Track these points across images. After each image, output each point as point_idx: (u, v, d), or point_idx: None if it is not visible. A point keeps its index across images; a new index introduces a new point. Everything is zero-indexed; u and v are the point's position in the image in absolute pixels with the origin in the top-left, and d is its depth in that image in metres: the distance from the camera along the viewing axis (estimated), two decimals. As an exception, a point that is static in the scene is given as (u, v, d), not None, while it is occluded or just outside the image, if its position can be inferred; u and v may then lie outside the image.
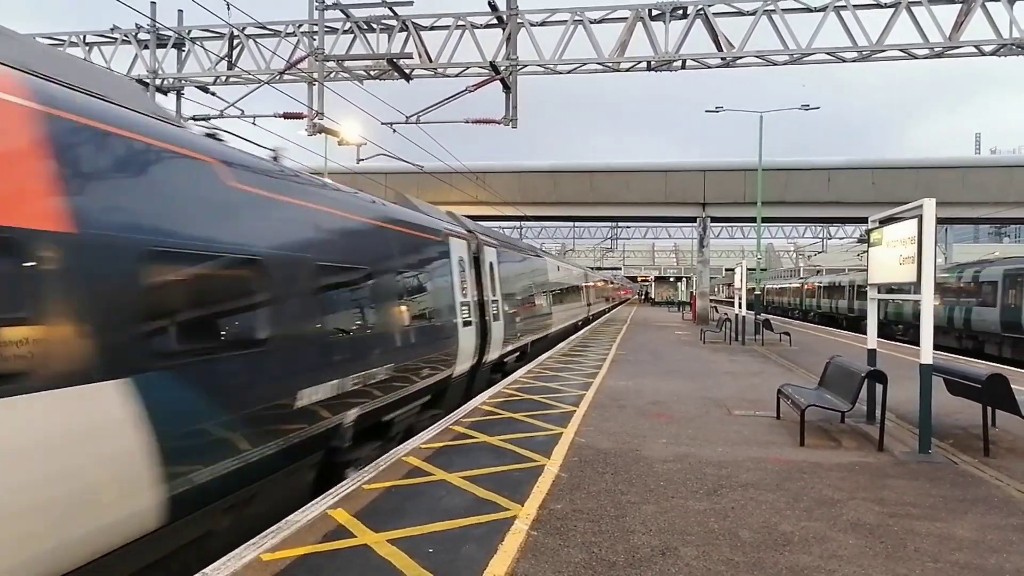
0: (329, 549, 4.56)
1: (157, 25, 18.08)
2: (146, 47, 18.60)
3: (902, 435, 8.35)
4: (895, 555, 4.59)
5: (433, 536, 4.80)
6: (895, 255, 7.85)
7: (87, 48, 19.16)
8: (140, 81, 18.32)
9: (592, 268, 60.98)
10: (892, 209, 8.34)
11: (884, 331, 32.29)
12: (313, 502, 5.55)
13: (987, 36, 15.26)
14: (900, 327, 30.12)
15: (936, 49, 15.39)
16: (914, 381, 7.55)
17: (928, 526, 5.16)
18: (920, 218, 7.14)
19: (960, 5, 15.33)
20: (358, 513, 5.25)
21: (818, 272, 67.06)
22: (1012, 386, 7.67)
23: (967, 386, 8.08)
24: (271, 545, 4.58)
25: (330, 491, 5.85)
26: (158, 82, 18.38)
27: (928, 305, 7.14)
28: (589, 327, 31.43)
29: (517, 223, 50.13)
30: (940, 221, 29.64)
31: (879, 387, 8.02)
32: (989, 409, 7.89)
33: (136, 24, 18.42)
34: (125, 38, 18.87)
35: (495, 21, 16.61)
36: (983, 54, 15.40)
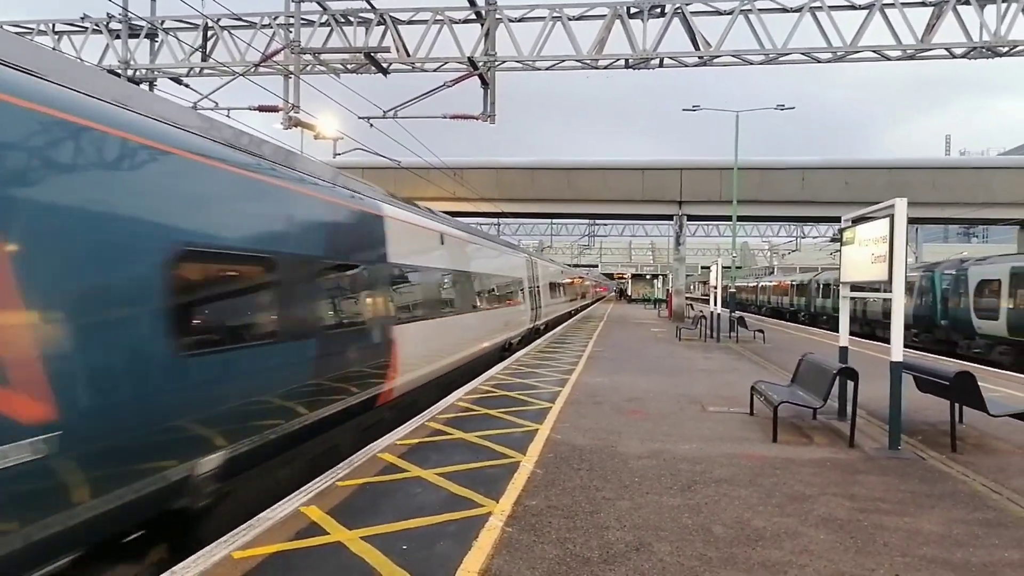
0: (301, 547, 4.52)
1: (129, 15, 17.76)
2: (118, 37, 18.25)
3: (872, 431, 8.48)
4: (865, 549, 4.66)
5: (407, 533, 4.77)
6: (867, 254, 7.96)
7: (56, 37, 18.75)
8: (112, 72, 18.01)
9: (565, 264, 61.00)
10: (865, 208, 8.45)
11: (793, 318, 43.24)
12: (285, 499, 5.49)
13: (958, 39, 15.56)
14: (802, 314, 42.21)
15: (908, 51, 15.67)
16: (884, 378, 7.66)
17: (897, 521, 5.24)
18: (892, 218, 7.25)
19: (932, 8, 15.61)
20: (331, 510, 5.20)
21: (770, 273, 78.91)
22: (979, 383, 7.83)
23: (936, 383, 8.22)
24: (242, 543, 4.52)
25: (303, 488, 5.79)
26: (130, 73, 18.05)
27: (899, 303, 7.26)
28: (544, 337, 23.10)
29: (495, 219, 50.13)
30: (911, 221, 30.33)
31: (850, 384, 8.13)
32: (957, 406, 8.05)
33: (108, 13, 18.05)
34: (96, 27, 18.49)
35: (473, 16, 16.56)
36: (954, 56, 15.69)
